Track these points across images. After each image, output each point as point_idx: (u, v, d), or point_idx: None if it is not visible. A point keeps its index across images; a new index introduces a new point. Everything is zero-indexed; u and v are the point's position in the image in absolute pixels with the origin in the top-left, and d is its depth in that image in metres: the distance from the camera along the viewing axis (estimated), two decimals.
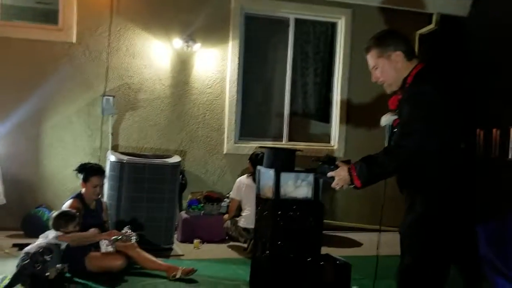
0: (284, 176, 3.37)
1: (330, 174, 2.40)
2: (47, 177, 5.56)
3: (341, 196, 6.45)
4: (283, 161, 3.41)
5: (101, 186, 4.33)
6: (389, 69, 2.37)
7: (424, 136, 2.16)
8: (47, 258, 3.56)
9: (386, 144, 2.44)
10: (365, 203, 5.98)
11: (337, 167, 2.38)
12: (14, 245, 4.65)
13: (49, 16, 5.77)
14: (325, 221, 5.82)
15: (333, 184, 2.39)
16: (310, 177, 3.43)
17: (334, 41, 6.58)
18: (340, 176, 2.33)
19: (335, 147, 6.51)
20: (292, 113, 6.48)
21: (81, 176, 4.28)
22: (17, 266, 3.58)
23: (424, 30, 6.47)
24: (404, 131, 2.23)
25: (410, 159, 2.19)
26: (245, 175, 5.41)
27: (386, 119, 2.46)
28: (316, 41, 6.57)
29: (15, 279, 3.50)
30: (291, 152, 3.61)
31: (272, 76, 6.50)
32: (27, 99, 5.35)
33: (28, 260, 3.53)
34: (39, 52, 5.50)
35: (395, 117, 2.37)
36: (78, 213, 3.98)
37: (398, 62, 2.36)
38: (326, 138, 6.60)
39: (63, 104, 5.60)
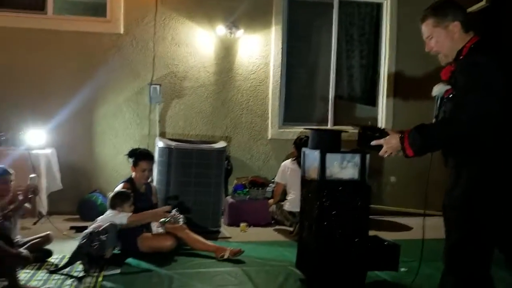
0: (330, 157, 3.35)
1: (378, 142, 2.34)
2: (100, 163, 5.80)
3: (388, 181, 6.36)
4: (329, 142, 3.40)
5: (150, 170, 4.46)
6: (445, 40, 2.32)
7: (479, 107, 2.11)
8: (103, 238, 3.73)
9: (435, 115, 2.38)
10: (411, 187, 5.87)
11: (382, 135, 2.34)
12: (71, 228, 4.91)
13: (98, 9, 6.00)
14: (372, 205, 5.82)
15: (381, 152, 2.33)
16: (357, 158, 3.39)
17: (379, 23, 6.44)
18: (390, 144, 2.28)
19: (382, 127, 6.39)
20: (337, 97, 6.42)
21: (131, 161, 4.44)
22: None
23: (474, 7, 6.21)
24: (458, 102, 2.18)
25: (465, 131, 2.14)
26: (289, 159, 5.42)
27: (438, 89, 2.39)
28: (361, 22, 6.45)
29: (73, 258, 3.69)
30: (337, 133, 3.59)
31: (316, 60, 6.46)
32: (79, 89, 5.58)
33: (85, 240, 3.71)
34: (89, 44, 5.72)
35: (448, 87, 2.31)
36: (132, 193, 4.13)
37: (455, 33, 2.31)
38: (373, 121, 6.49)
39: (113, 94, 5.81)
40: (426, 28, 2.37)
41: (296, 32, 6.30)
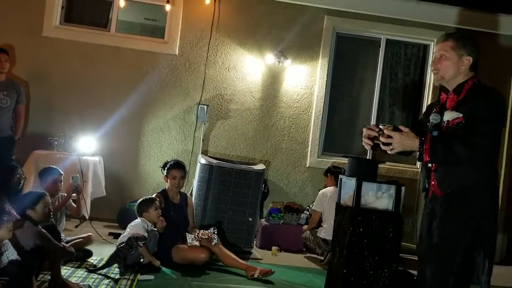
0: (366, 186, 3.43)
1: (388, 133, 2.35)
2: (144, 175, 6.07)
3: None
4: (365, 171, 3.48)
5: (181, 178, 4.61)
6: (453, 65, 2.44)
7: (495, 138, 2.30)
8: (141, 244, 3.92)
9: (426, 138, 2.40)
10: None
11: (397, 131, 2.36)
12: (110, 234, 5.13)
13: (154, 31, 6.41)
14: (406, 244, 5.76)
15: (386, 147, 2.37)
16: (392, 189, 3.46)
17: (425, 63, 6.52)
18: (402, 142, 2.33)
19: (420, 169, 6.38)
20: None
21: (164, 172, 4.65)
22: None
23: None
24: (478, 130, 2.28)
25: (479, 158, 2.27)
26: (332, 187, 5.39)
27: (452, 115, 2.41)
28: (407, 62, 6.56)
29: (111, 260, 3.88)
30: (374, 162, 3.67)
31: (359, 94, 6.58)
32: (131, 102, 5.90)
33: (124, 244, 3.91)
34: (146, 62, 6.08)
35: (461, 115, 2.37)
36: (158, 199, 4.32)
37: (464, 65, 2.44)
38: (413, 160, 6.46)
39: (163, 110, 6.11)
40: (443, 47, 2.49)
41: (342, 65, 6.46)
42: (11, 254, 2.86)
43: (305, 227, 5.54)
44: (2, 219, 2.77)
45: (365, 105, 6.53)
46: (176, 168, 4.59)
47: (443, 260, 2.32)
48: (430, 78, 6.43)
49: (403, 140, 2.34)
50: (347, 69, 6.53)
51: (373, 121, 6.45)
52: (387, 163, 6.27)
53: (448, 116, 2.43)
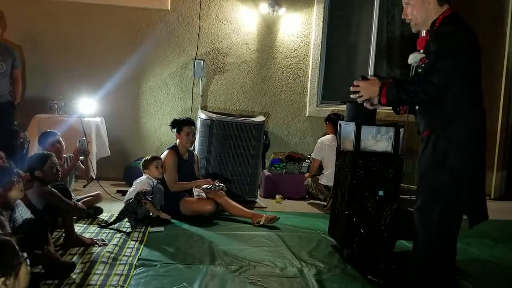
0: (365, 129, 3.49)
1: (356, 82, 2.54)
2: (145, 133, 6.13)
3: None
4: (364, 115, 3.52)
5: (193, 135, 4.72)
6: (419, 8, 2.48)
7: (450, 74, 2.29)
8: (149, 198, 4.03)
9: None
10: None
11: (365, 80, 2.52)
12: (118, 192, 5.26)
13: None
14: (406, 185, 5.88)
15: (356, 95, 2.55)
16: (391, 131, 3.52)
17: None
18: (368, 89, 2.49)
19: None
20: (376, 77, 6.45)
21: (174, 130, 4.72)
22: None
23: None
24: (431, 68, 2.34)
25: (437, 95, 2.32)
26: (330, 135, 5.46)
27: (413, 57, 2.57)
28: None
29: (121, 215, 4.01)
30: None
31: (356, 40, 6.52)
32: (127, 61, 5.87)
33: (132, 200, 4.02)
34: (138, 19, 6.00)
35: (422, 55, 2.49)
36: (156, 156, 4.46)
37: (430, 3, 2.46)
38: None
39: (160, 67, 6.09)
40: None
41: (338, 11, 6.37)
42: (25, 213, 2.97)
43: (306, 175, 5.66)
44: (13, 180, 2.86)
45: (362, 51, 6.48)
46: (188, 124, 4.66)
47: (428, 192, 2.45)
48: None
49: (368, 87, 2.49)
50: (343, 14, 6.44)
51: (371, 67, 6.43)
52: (387, 107, 6.30)
53: (414, 57, 2.55)
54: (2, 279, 1.60)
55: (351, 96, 2.60)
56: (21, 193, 2.93)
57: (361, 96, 2.53)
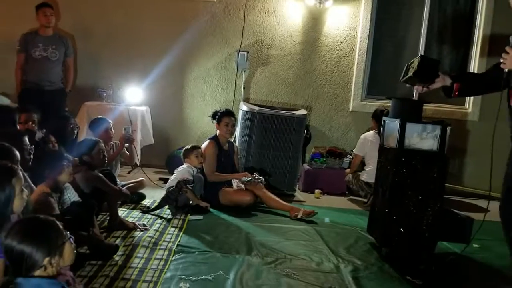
0: (410, 126, 3.40)
1: (509, 49, 2.45)
2: (188, 123, 6.24)
3: (471, 161, 6.20)
4: (409, 112, 3.44)
5: (233, 125, 4.76)
6: None
7: None
8: (190, 186, 4.12)
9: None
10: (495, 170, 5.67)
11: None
12: (160, 179, 5.39)
13: None
14: (452, 185, 5.72)
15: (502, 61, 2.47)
16: (437, 130, 3.42)
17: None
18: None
19: (469, 110, 6.22)
20: None
21: (214, 121, 4.77)
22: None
23: None
24: None
25: None
26: (371, 131, 5.40)
27: None
28: None
29: (162, 202, 4.12)
30: (418, 103, 3.62)
31: (405, 34, 6.35)
32: (173, 52, 5.97)
33: (173, 187, 4.12)
34: (185, 10, 6.08)
35: None
36: (196, 145, 4.54)
37: None
38: (460, 101, 6.31)
39: (204, 58, 6.17)
40: None
41: (386, 4, 6.22)
42: (73, 196, 3.10)
43: (347, 170, 5.60)
44: (63, 164, 2.98)
45: (411, 45, 6.31)
46: (228, 115, 4.71)
47: None
48: (481, 15, 6.10)
49: None
50: (392, 7, 6.28)
51: None
52: (434, 104, 6.14)
53: None
54: (47, 258, 1.68)
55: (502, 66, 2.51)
56: (70, 177, 3.05)
57: (505, 64, 2.45)
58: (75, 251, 1.84)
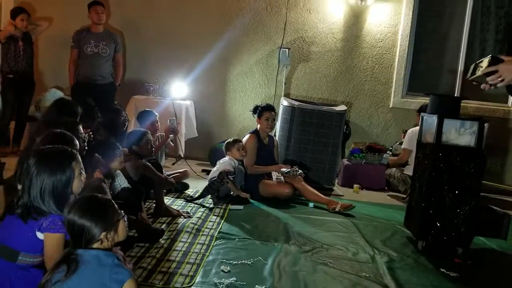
0: (448, 122, 3.44)
1: (491, 68, 2.26)
2: (230, 117, 6.43)
3: None
4: (447, 108, 3.48)
5: (273, 120, 4.89)
6: None
7: None
8: (231, 177, 4.30)
9: None
10: None
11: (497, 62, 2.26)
12: (203, 171, 5.61)
13: None
14: (493, 183, 5.64)
15: (492, 78, 2.28)
16: (475, 126, 3.44)
17: None
18: (509, 69, 2.24)
19: None
20: (467, 70, 6.19)
21: (255, 115, 4.92)
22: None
23: None
24: None
25: None
26: (417, 127, 5.31)
27: None
28: None
29: (205, 191, 4.32)
30: (456, 99, 3.64)
31: (447, 31, 6.29)
32: (217, 48, 6.17)
33: (216, 178, 4.31)
34: (229, 7, 6.26)
35: None
36: (238, 139, 4.68)
37: None
38: (504, 98, 6.19)
39: (247, 55, 6.33)
40: None
41: (428, 1, 6.18)
42: (123, 182, 3.34)
43: (394, 158, 5.50)
44: (115, 153, 3.22)
45: (453, 42, 6.24)
46: (269, 110, 4.86)
47: None
48: None
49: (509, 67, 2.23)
50: (435, 5, 6.23)
51: (461, 59, 6.19)
52: (476, 101, 6.06)
53: None
54: (104, 233, 1.86)
55: (490, 82, 2.32)
56: (121, 165, 3.29)
57: (503, 79, 2.27)
58: (127, 229, 2.03)
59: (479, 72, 2.36)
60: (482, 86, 2.43)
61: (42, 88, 6.12)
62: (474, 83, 2.49)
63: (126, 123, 4.49)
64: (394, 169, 5.42)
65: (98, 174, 3.09)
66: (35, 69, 5.94)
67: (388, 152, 5.90)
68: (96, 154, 3.01)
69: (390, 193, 5.56)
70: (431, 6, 6.21)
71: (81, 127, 3.20)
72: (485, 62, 2.38)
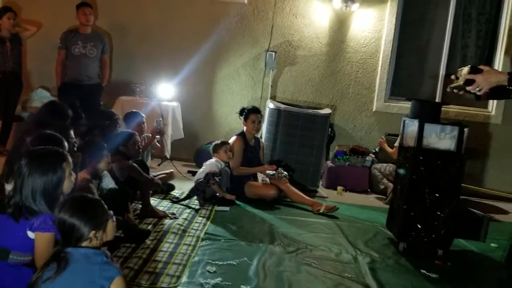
0: (428, 127, 3.55)
1: (470, 77, 2.31)
2: (217, 119, 6.48)
3: (493, 164, 6.25)
4: (428, 113, 3.58)
5: (259, 122, 4.96)
6: None
7: None
8: (217, 179, 4.35)
9: None
10: None
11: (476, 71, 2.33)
12: (189, 172, 5.65)
13: None
14: (473, 187, 5.79)
15: (472, 87, 2.34)
16: (455, 130, 3.55)
17: (501, 2, 6.20)
18: (487, 79, 2.30)
19: (492, 113, 6.27)
20: (448, 76, 6.37)
21: (242, 117, 4.99)
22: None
23: None
24: None
25: None
26: None
27: None
28: (482, 1, 6.25)
29: (191, 192, 4.37)
30: (437, 104, 3.76)
31: (429, 37, 6.43)
32: (204, 50, 6.21)
33: (202, 179, 4.35)
34: (216, 10, 6.31)
35: None
36: (226, 141, 4.74)
37: None
38: (484, 103, 6.34)
39: (233, 57, 6.39)
40: None
41: (412, 7, 6.31)
42: (110, 183, 3.37)
43: (390, 150, 5.50)
44: (102, 154, 3.25)
45: (435, 48, 6.39)
46: (255, 112, 4.93)
47: None
48: (506, 19, 6.14)
49: (489, 77, 2.30)
50: (417, 11, 6.37)
51: (443, 65, 6.34)
52: (457, 106, 6.21)
53: None
54: (93, 232, 1.91)
55: (472, 91, 2.37)
56: (108, 166, 3.32)
57: (481, 88, 2.33)
58: (115, 229, 2.07)
59: (460, 81, 2.44)
60: (461, 93, 2.52)
61: (29, 88, 6.10)
62: (455, 91, 2.57)
63: (118, 125, 4.51)
64: (385, 164, 5.52)
65: (84, 175, 3.12)
66: (23, 69, 5.91)
67: (370, 155, 6.02)
68: (79, 153, 3.04)
69: (373, 195, 5.67)
70: (414, 13, 6.34)
71: (72, 132, 3.22)
72: (465, 70, 2.48)
